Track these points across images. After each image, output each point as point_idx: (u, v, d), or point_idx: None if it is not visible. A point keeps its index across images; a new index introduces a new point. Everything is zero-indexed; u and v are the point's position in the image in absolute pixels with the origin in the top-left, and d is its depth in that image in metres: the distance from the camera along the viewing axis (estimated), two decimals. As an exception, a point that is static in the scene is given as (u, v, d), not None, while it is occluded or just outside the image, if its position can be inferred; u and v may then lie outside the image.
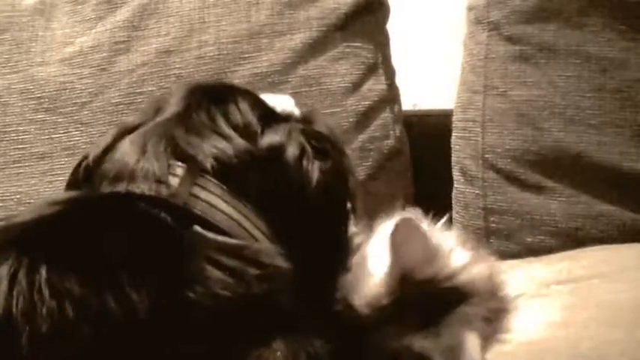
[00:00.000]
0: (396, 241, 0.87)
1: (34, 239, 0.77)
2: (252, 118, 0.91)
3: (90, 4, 1.39)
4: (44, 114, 1.33)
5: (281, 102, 0.97)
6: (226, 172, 0.86)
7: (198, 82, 0.99)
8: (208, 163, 0.86)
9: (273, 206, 0.87)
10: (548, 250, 1.23)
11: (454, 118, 1.37)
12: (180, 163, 0.86)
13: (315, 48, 1.35)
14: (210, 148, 0.87)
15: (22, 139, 1.33)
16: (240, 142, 0.88)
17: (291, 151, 0.89)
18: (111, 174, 0.87)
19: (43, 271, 0.73)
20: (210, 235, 0.81)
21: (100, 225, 0.79)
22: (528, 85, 1.30)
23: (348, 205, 0.95)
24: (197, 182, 0.85)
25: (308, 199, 0.89)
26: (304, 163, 0.89)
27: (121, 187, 0.84)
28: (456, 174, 1.36)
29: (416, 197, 1.40)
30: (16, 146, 1.33)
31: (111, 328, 0.72)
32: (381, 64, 1.39)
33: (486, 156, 1.32)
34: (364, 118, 1.36)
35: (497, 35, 1.33)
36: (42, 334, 0.71)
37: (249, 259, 0.80)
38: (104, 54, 1.35)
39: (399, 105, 1.41)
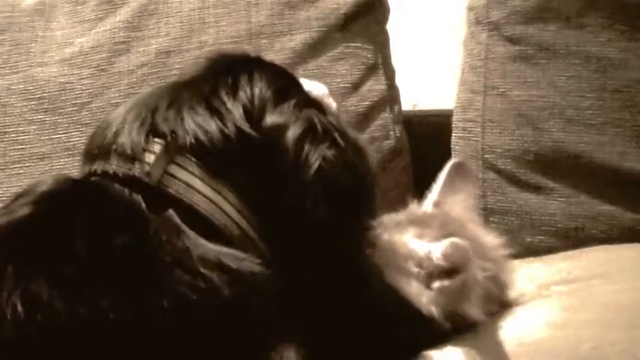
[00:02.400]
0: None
1: (2, 245, 0.75)
2: (265, 92, 0.84)
3: (90, 4, 1.39)
4: (44, 114, 1.33)
5: (313, 89, 0.91)
6: (208, 152, 0.80)
7: (223, 51, 0.92)
8: (187, 141, 0.80)
9: (262, 192, 0.81)
10: (548, 250, 1.23)
11: (454, 118, 1.37)
12: (158, 139, 0.81)
13: (315, 48, 1.35)
14: (193, 124, 0.81)
15: (22, 139, 1.33)
16: (234, 119, 0.82)
17: (292, 133, 0.82)
18: (92, 149, 0.84)
19: (11, 277, 0.71)
20: (182, 225, 0.76)
21: (69, 225, 0.76)
22: (528, 85, 1.30)
23: (361, 204, 0.86)
24: (175, 160, 0.80)
25: (303, 188, 0.81)
26: (305, 147, 0.82)
27: (98, 166, 0.81)
28: (456, 174, 1.36)
29: (416, 197, 1.39)
30: (16, 147, 1.33)
31: (80, 334, 0.71)
32: (381, 64, 1.39)
33: (486, 156, 1.32)
34: (364, 118, 1.36)
35: (498, 35, 1.33)
36: (10, 340, 0.70)
37: (214, 264, 0.75)
38: (104, 54, 1.35)
39: (399, 105, 1.41)
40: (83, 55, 1.35)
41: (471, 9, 1.38)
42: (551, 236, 1.26)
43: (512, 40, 1.32)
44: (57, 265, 0.73)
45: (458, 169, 1.02)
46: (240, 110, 0.82)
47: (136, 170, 0.79)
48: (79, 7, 1.39)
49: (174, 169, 0.80)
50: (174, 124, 0.81)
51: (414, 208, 0.99)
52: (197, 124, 0.81)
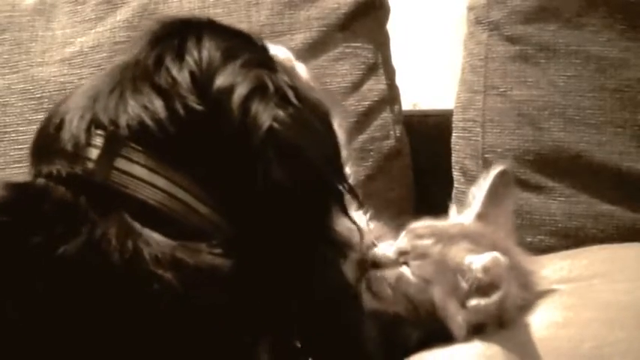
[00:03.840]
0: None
1: None
2: (213, 54, 0.77)
3: (90, 4, 1.39)
4: (44, 114, 1.31)
5: (278, 52, 0.87)
6: (156, 136, 0.74)
7: (167, 19, 0.84)
8: (132, 129, 0.74)
9: (217, 167, 0.74)
10: (548, 250, 1.23)
11: (454, 118, 1.37)
12: (100, 132, 0.75)
13: (315, 48, 1.35)
14: (138, 108, 0.75)
15: (22, 139, 1.33)
16: (180, 92, 0.74)
17: (239, 93, 0.74)
18: (36, 149, 0.79)
19: None
20: (133, 223, 0.72)
21: (10, 239, 0.72)
22: (528, 85, 1.30)
23: (329, 177, 0.78)
24: (120, 153, 0.74)
25: (253, 152, 0.74)
26: (253, 107, 0.74)
27: (43, 166, 0.76)
28: (456, 174, 1.36)
29: (416, 197, 1.40)
30: (16, 146, 1.33)
31: (29, 348, 0.69)
32: (381, 64, 1.39)
33: (486, 156, 1.32)
34: (364, 118, 1.36)
35: (498, 35, 1.33)
36: None
37: (169, 262, 0.71)
38: (104, 54, 1.35)
39: (399, 105, 1.41)
40: (83, 55, 1.35)
41: (471, 9, 1.38)
42: (551, 236, 1.26)
43: (512, 39, 1.32)
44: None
45: (501, 177, 0.99)
46: (188, 78, 0.76)
47: (78, 169, 0.74)
48: (79, 7, 1.39)
49: (120, 162, 0.74)
50: (117, 111, 0.75)
51: (466, 221, 0.97)
52: (142, 106, 0.75)
